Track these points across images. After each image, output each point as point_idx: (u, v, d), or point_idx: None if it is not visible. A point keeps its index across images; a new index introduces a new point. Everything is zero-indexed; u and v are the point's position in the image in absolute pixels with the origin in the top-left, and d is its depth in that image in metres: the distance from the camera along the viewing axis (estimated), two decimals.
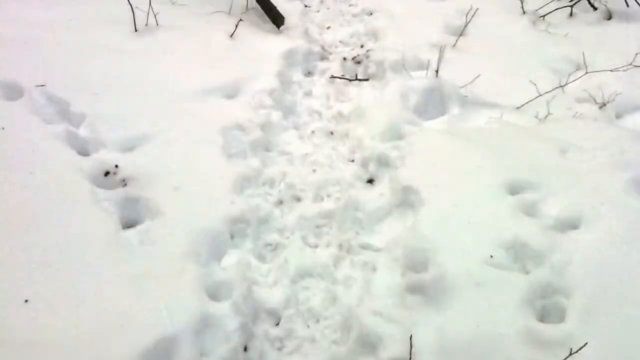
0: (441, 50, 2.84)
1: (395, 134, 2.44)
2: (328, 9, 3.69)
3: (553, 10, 3.37)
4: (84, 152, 2.26)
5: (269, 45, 3.07)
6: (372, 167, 2.34)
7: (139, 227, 1.98)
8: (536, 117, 2.55)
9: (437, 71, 2.78)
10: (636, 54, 2.82)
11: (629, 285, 1.77)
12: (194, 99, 2.57)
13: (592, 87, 2.71)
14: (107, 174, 2.16)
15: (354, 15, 3.56)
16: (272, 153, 2.46)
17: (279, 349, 1.82)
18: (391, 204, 2.16)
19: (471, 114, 2.60)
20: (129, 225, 2.00)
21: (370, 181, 2.31)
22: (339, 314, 1.88)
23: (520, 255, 1.89)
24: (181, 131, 2.37)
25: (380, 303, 1.84)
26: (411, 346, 1.67)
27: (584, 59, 2.88)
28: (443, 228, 1.97)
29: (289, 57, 3.03)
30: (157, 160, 2.22)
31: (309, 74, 3.05)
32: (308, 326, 1.87)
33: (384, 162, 2.33)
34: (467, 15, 3.20)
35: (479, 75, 2.74)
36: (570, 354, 1.57)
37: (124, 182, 2.13)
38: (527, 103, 2.63)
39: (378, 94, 2.78)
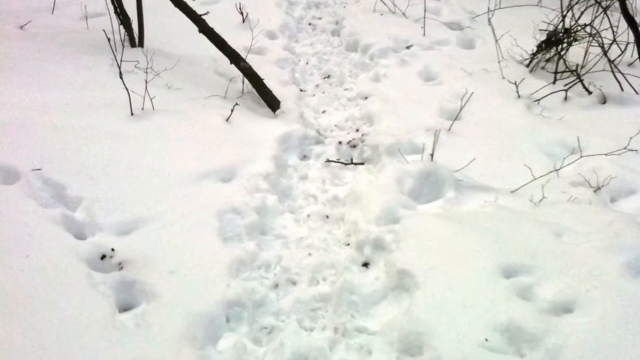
0: (436, 134, 3.17)
1: (390, 218, 2.70)
2: (323, 93, 4.08)
3: (548, 95, 3.74)
4: (80, 236, 2.50)
5: (265, 129, 3.40)
6: (367, 251, 2.58)
7: (135, 311, 2.19)
8: (531, 200, 2.83)
9: (432, 155, 3.09)
10: (630, 138, 3.14)
11: None
12: (190, 182, 2.84)
13: (586, 171, 3.00)
14: (103, 257, 2.39)
15: (350, 100, 3.94)
16: (268, 236, 2.71)
17: None
18: (386, 288, 2.38)
19: (466, 198, 2.87)
20: (125, 308, 2.22)
21: (366, 265, 2.55)
22: None
23: (515, 338, 2.10)
24: (177, 215, 2.63)
25: None
26: None
27: (578, 142, 3.20)
28: (438, 311, 2.19)
29: (285, 141, 3.35)
30: (153, 244, 2.46)
31: (304, 157, 3.36)
32: None
33: (379, 245, 2.57)
34: (462, 99, 3.56)
35: (474, 159, 3.05)
36: None
37: (120, 266, 2.36)
38: (522, 187, 2.91)
39: (373, 177, 3.07)
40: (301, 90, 4.07)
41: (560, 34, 4.10)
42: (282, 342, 2.18)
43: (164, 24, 4.47)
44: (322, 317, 2.33)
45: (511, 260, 2.40)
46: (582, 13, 4.19)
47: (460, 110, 3.53)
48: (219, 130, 3.31)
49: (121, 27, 4.13)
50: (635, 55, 4.03)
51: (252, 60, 3.88)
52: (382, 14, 5.14)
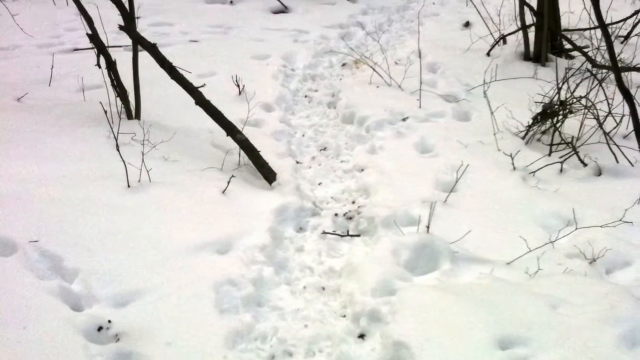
0: (432, 206, 3.39)
1: (386, 290, 2.87)
2: (320, 165, 4.34)
3: (543, 167, 3.99)
4: (77, 308, 2.67)
5: (261, 201, 3.62)
6: (363, 322, 2.74)
7: None
8: (526, 272, 3.02)
9: (428, 227, 3.30)
10: (626, 210, 3.36)
11: None
12: (186, 254, 3.04)
13: (582, 243, 3.21)
14: (100, 329, 2.55)
15: (346, 172, 4.20)
16: (264, 308, 2.87)
17: None
18: (382, 359, 2.54)
19: (462, 270, 3.06)
20: None
21: (362, 336, 2.70)
22: None
23: None
24: (174, 287, 2.81)
25: None
26: None
27: (574, 214, 3.42)
28: None
29: (281, 213, 3.56)
30: (150, 316, 2.63)
31: (300, 229, 3.57)
32: None
33: (375, 317, 2.74)
34: (458, 171, 3.80)
35: (470, 231, 3.26)
36: None
37: (117, 338, 2.52)
38: (517, 259, 3.10)
39: (369, 249, 3.27)
40: (297, 162, 4.33)
41: (556, 107, 4.39)
42: None
43: (161, 96, 4.76)
44: None
45: (507, 332, 2.57)
46: (577, 85, 4.47)
47: (456, 182, 3.77)
48: (216, 202, 3.54)
49: (118, 99, 4.41)
50: (631, 127, 4.28)
51: (249, 133, 4.15)
52: (378, 87, 5.48)
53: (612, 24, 5.96)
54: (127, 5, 4.33)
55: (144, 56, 4.32)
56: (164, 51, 4.28)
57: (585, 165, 4.05)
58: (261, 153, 4.00)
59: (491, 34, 6.40)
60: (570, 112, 4.40)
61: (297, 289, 3.05)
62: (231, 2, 8.32)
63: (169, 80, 4.13)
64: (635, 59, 5.41)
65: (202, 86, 4.13)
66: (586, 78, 4.58)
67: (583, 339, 2.53)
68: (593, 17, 4.39)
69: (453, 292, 2.84)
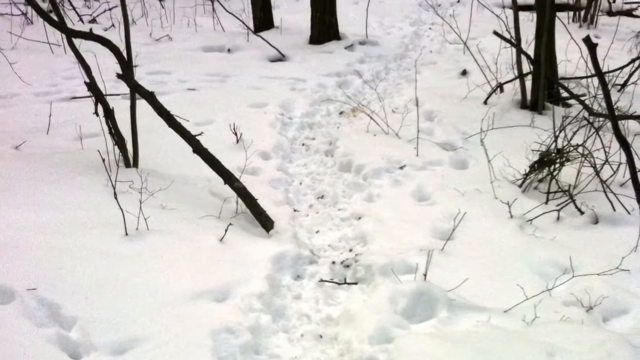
0: (429, 254, 3.51)
1: (384, 338, 2.97)
2: (317, 213, 4.48)
3: (540, 215, 4.13)
4: (75, 355, 2.77)
5: (259, 249, 3.75)
6: None
7: None
8: (523, 320, 3.12)
9: (425, 275, 3.42)
10: (623, 258, 3.48)
11: None
12: (184, 302, 3.14)
13: (579, 291, 3.32)
14: None
15: (343, 220, 4.33)
16: (262, 356, 2.96)
17: None
18: None
19: (459, 318, 3.17)
20: None
21: None
22: None
23: None
24: (171, 334, 2.90)
25: None
26: None
27: (570, 262, 3.54)
28: None
29: (279, 261, 3.69)
30: None
31: (298, 277, 3.68)
32: None
33: None
34: (455, 219, 3.94)
35: (467, 279, 3.37)
36: None
37: None
38: (514, 306, 3.21)
39: (367, 297, 3.38)
40: (295, 211, 4.47)
41: (553, 155, 4.54)
42: None
43: (159, 145, 4.93)
44: None
45: None
46: (574, 133, 4.63)
47: (453, 230, 3.90)
48: (213, 250, 3.66)
49: (116, 147, 4.58)
50: (627, 175, 4.40)
51: (246, 181, 4.29)
52: (375, 135, 5.66)
53: (609, 72, 6.19)
54: (125, 54, 4.52)
55: (142, 104, 4.50)
56: (161, 99, 4.46)
57: (582, 213, 4.19)
58: (259, 201, 4.14)
59: (488, 82, 6.62)
60: (567, 160, 4.55)
61: (295, 336, 3.15)
62: (229, 50, 8.59)
63: (167, 128, 4.30)
64: (632, 107, 5.57)
65: (199, 134, 4.30)
66: (583, 126, 4.73)
67: None
68: (590, 65, 4.57)
69: (450, 340, 2.94)
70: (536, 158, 4.59)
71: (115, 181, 3.83)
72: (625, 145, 4.31)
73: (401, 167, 4.98)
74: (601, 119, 4.84)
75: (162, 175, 4.45)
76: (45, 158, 4.64)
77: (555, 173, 4.51)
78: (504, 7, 9.35)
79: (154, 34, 9.12)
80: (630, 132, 5.35)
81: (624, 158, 4.39)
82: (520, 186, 4.60)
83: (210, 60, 8.07)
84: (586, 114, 4.83)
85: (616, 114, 4.46)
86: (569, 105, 6.25)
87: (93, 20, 9.57)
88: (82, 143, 4.97)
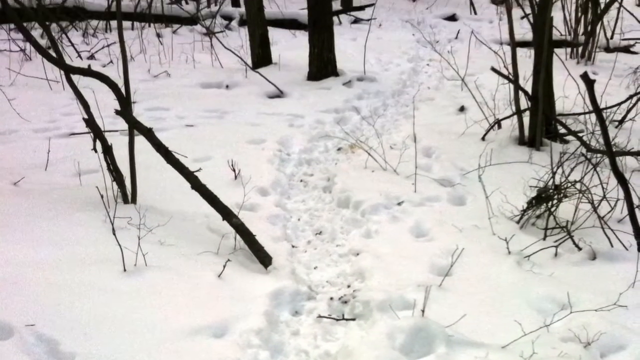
0: (427, 290, 3.59)
1: None
2: (315, 249, 4.56)
3: (538, 251, 4.21)
4: None
5: (257, 285, 3.82)
6: None
7: None
8: (521, 356, 3.18)
9: (423, 311, 3.49)
10: (620, 294, 3.56)
11: None
12: (182, 338, 3.21)
13: (576, 327, 3.38)
14: None
15: (341, 256, 4.41)
16: None
17: None
18: None
19: (457, 354, 3.22)
20: None
21: None
22: None
23: None
24: None
25: None
26: None
27: (568, 298, 3.61)
28: None
29: (277, 297, 3.75)
30: None
31: (296, 313, 3.75)
32: None
33: None
34: (453, 255, 4.02)
35: (465, 315, 3.44)
36: None
37: None
38: (512, 342, 3.27)
39: (365, 333, 3.44)
40: (293, 247, 4.55)
41: (551, 191, 4.65)
42: None
43: (157, 181, 5.03)
44: None
45: None
46: (572, 170, 4.74)
47: (451, 266, 3.98)
48: (212, 286, 3.73)
49: (114, 183, 4.67)
50: (625, 211, 4.51)
51: (244, 217, 4.38)
52: (373, 171, 5.77)
53: (606, 108, 6.31)
54: (123, 90, 4.64)
55: (141, 140, 4.61)
56: (160, 135, 4.57)
57: (579, 249, 4.27)
58: (257, 237, 4.22)
59: (486, 118, 6.76)
60: (565, 196, 4.65)
61: None
62: (227, 86, 8.76)
63: (165, 164, 4.40)
64: (629, 144, 5.69)
65: (197, 170, 4.40)
66: (581, 162, 4.85)
67: None
68: (588, 101, 4.68)
69: None
70: (534, 194, 4.69)
71: (114, 217, 3.91)
72: (622, 181, 4.41)
73: (399, 204, 5.08)
74: (599, 155, 4.96)
75: (160, 211, 4.54)
76: (44, 194, 4.73)
77: (553, 209, 4.60)
78: (501, 43, 9.55)
79: (152, 70, 9.30)
80: (627, 169, 5.44)
81: (621, 194, 4.49)
82: (518, 222, 4.69)
83: (208, 97, 8.23)
84: (584, 150, 4.94)
85: (614, 150, 4.57)
86: (566, 142, 6.37)
87: (91, 57, 9.76)
88: (81, 179, 5.07)
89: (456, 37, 12.85)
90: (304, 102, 8.11)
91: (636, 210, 4.34)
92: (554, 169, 4.75)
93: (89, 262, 3.78)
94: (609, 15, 10.87)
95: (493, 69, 6.44)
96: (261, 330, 3.39)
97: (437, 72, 9.69)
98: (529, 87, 6.37)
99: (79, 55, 9.75)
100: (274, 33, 11.13)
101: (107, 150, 4.63)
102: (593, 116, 5.49)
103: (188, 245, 4.17)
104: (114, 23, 11.83)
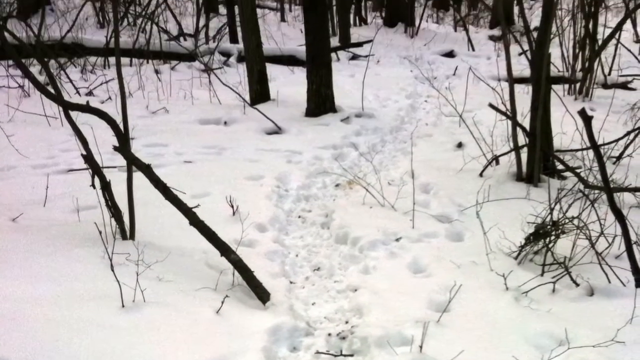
0: (425, 326, 3.66)
1: None
2: (313, 285, 4.63)
3: (536, 287, 4.28)
4: None
5: (255, 321, 3.88)
6: None
7: None
8: None
9: (421, 347, 3.55)
10: (618, 330, 3.62)
11: None
12: None
13: None
14: None
15: (339, 292, 4.48)
16: None
17: None
18: None
19: None
20: None
21: None
22: None
23: None
24: None
25: None
26: None
27: (566, 334, 3.67)
28: None
29: (275, 333, 3.82)
30: None
31: (294, 349, 3.81)
32: None
33: None
34: (450, 291, 4.09)
35: (463, 351, 3.51)
36: None
37: None
38: None
39: None
40: (291, 283, 4.62)
41: (548, 227, 4.73)
42: None
43: (155, 217, 5.11)
44: None
45: None
46: (569, 206, 4.83)
47: (449, 302, 4.04)
48: (210, 322, 3.79)
49: (112, 220, 4.76)
50: (623, 247, 4.57)
51: (243, 253, 4.46)
52: (371, 207, 5.87)
53: (604, 144, 6.46)
54: (121, 126, 4.75)
55: (139, 177, 4.69)
56: (158, 172, 4.67)
57: (577, 285, 4.34)
58: (255, 273, 4.29)
59: (484, 154, 6.88)
60: (563, 232, 4.73)
61: None
62: (225, 123, 8.90)
63: (164, 200, 4.48)
64: (627, 180, 5.79)
65: (196, 207, 4.48)
66: (578, 198, 4.93)
67: None
68: (585, 138, 4.79)
69: None
70: (532, 230, 4.77)
71: (112, 253, 3.99)
72: (620, 217, 4.49)
73: (397, 240, 5.16)
74: (597, 191, 5.06)
75: (158, 248, 4.62)
76: (42, 230, 4.81)
77: (550, 245, 4.68)
78: (499, 79, 9.71)
79: (150, 106, 9.45)
80: (625, 205, 5.54)
81: (619, 230, 4.55)
82: (515, 258, 4.76)
83: (206, 133, 8.36)
84: (582, 187, 5.04)
85: (611, 186, 4.67)
86: (564, 178, 6.47)
87: (90, 93, 9.90)
88: (79, 215, 5.16)
89: (454, 74, 13.06)
90: (302, 138, 8.24)
91: (634, 246, 4.42)
92: (552, 205, 4.83)
93: (87, 298, 3.85)
94: (607, 51, 11.08)
95: (491, 106, 6.58)
96: None
97: (435, 109, 9.86)
98: (526, 124, 6.48)
99: (78, 92, 9.89)
100: (272, 69, 11.32)
101: (106, 187, 4.71)
102: (591, 152, 5.63)
103: (186, 281, 4.24)
104: (112, 59, 12.01)
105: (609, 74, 11.60)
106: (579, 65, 10.89)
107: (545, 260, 4.60)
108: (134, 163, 4.67)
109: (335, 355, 3.75)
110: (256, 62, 9.96)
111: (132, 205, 4.84)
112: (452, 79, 12.29)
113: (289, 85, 11.02)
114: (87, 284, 4.02)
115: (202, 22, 15.36)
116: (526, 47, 7.02)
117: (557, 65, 10.85)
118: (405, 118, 9.64)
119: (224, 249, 4.35)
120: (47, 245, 4.52)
